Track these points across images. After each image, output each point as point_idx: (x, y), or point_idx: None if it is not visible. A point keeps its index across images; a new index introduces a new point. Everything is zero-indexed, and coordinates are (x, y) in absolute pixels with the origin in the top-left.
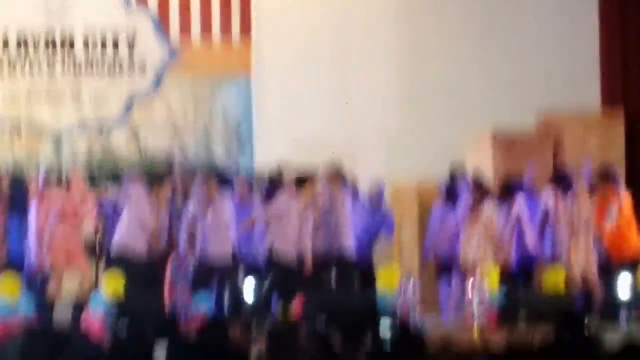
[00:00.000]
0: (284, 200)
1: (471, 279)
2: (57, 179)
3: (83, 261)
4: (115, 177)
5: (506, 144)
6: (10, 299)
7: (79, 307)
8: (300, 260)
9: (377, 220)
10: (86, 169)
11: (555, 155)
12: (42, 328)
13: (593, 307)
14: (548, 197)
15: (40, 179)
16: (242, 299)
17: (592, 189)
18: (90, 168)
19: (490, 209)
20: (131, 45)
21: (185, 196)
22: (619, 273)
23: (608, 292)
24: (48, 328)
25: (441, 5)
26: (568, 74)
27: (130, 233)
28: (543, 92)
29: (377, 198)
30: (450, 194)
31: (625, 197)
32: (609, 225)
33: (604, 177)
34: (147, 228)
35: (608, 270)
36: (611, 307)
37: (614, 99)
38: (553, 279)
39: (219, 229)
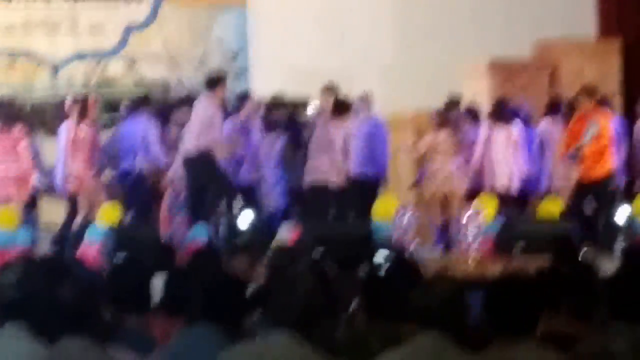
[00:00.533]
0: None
1: (466, 209)
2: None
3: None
4: (113, 106)
5: (503, 72)
6: (8, 229)
7: (78, 237)
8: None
9: (372, 129)
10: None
11: (551, 84)
12: (40, 257)
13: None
14: (544, 125)
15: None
16: (239, 228)
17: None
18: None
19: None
20: None
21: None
22: (590, 192)
23: (605, 219)
24: (46, 256)
25: None
26: (564, 3)
27: None
28: (539, 22)
29: (367, 107)
30: (445, 122)
31: (606, 116)
32: (587, 142)
33: (587, 95)
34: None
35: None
36: (607, 235)
37: (610, 28)
38: (549, 208)
39: None
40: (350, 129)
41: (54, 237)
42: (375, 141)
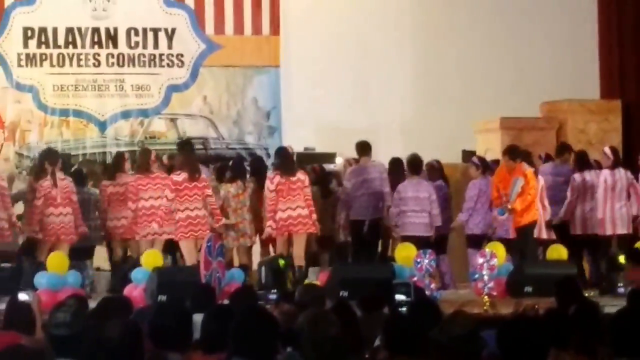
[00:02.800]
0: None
1: (481, 253)
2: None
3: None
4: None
5: (513, 129)
6: (59, 273)
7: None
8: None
9: None
10: (128, 154)
11: (558, 140)
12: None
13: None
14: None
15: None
16: (278, 273)
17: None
18: (132, 153)
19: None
20: (170, 40)
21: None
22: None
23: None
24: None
25: (453, 5)
26: (570, 69)
27: None
28: (547, 86)
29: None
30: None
31: (530, 175)
32: (513, 197)
33: (512, 155)
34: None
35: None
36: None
37: (612, 92)
38: (557, 252)
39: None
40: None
41: None
42: None
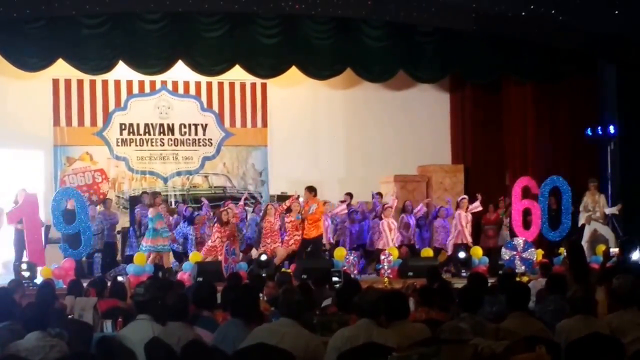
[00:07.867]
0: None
1: (383, 253)
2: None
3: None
4: (197, 200)
5: (401, 182)
6: (141, 265)
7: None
8: None
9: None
10: (181, 196)
11: (427, 189)
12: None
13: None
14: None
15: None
16: (264, 265)
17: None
18: (183, 196)
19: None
20: (204, 131)
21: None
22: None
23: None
24: (165, 278)
25: (369, 106)
26: (434, 143)
27: None
28: (421, 156)
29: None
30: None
31: (320, 203)
32: (308, 214)
33: (309, 191)
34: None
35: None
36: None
37: (458, 159)
38: (427, 252)
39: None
40: None
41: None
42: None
